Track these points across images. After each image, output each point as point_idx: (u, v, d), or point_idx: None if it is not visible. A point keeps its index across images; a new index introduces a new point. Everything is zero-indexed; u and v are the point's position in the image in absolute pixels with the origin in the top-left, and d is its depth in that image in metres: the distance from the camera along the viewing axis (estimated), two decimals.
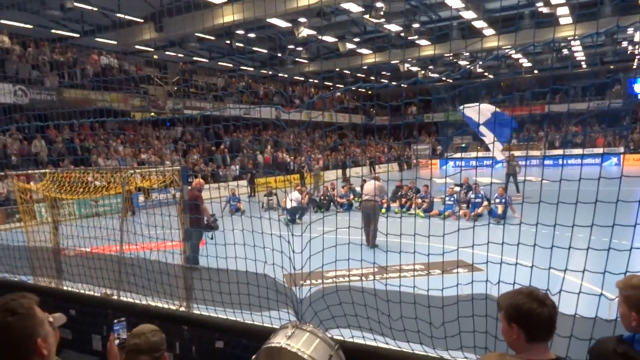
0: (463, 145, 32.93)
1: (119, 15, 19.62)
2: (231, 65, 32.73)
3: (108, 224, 5.63)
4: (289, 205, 14.49)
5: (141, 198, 13.59)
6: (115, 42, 23.41)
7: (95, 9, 19.34)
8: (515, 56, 33.89)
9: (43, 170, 6.93)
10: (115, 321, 3.06)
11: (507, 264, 3.07)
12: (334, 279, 3.95)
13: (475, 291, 3.12)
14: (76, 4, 18.32)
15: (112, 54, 23.73)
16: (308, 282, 3.69)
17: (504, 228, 3.10)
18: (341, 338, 3.43)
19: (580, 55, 34.98)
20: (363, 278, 4.36)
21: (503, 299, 2.15)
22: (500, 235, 3.19)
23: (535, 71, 37.28)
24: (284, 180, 14.70)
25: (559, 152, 29.55)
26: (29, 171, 7.95)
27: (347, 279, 4.01)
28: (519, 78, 38.01)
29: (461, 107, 12.52)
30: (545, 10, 21.32)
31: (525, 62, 36.73)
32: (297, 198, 15.24)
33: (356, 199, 16.85)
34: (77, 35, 22.42)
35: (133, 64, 25.62)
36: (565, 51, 33.08)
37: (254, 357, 3.30)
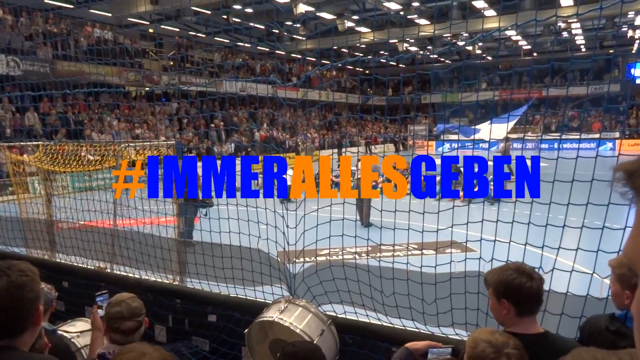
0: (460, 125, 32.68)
1: None
2: (228, 40, 32.25)
3: (101, 198, 5.59)
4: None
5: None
6: (109, 14, 22.94)
7: None
8: (514, 38, 33.55)
9: (36, 142, 6.85)
10: (98, 293, 3.03)
11: (500, 241, 3.08)
12: (328, 257, 3.96)
13: (468, 269, 3.14)
14: None
15: (107, 26, 23.26)
16: (302, 259, 3.69)
17: (498, 207, 3.10)
18: (334, 314, 3.45)
19: (580, 39, 34.68)
20: (357, 256, 4.37)
21: (491, 275, 2.17)
22: (493, 216, 3.19)
23: (535, 54, 36.99)
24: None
25: (555, 135, 29.48)
26: (22, 143, 7.86)
27: (340, 256, 4.02)
28: (518, 60, 37.70)
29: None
30: None
31: (525, 45, 36.39)
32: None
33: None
34: (72, 7, 21.93)
35: (128, 38, 25.17)
36: (565, 34, 32.78)
37: (246, 330, 3.32)
